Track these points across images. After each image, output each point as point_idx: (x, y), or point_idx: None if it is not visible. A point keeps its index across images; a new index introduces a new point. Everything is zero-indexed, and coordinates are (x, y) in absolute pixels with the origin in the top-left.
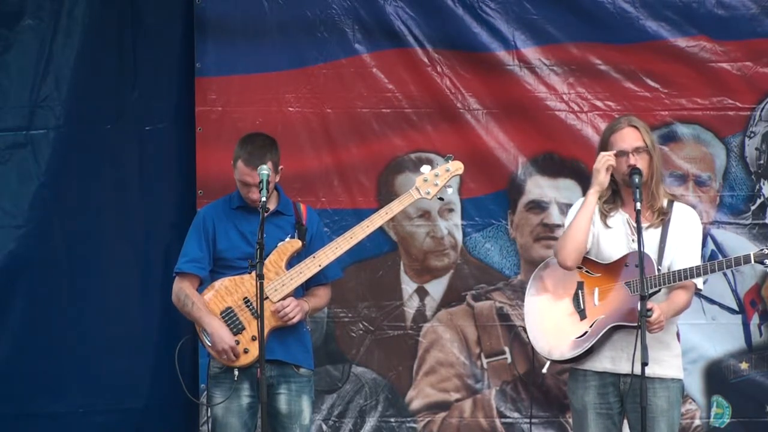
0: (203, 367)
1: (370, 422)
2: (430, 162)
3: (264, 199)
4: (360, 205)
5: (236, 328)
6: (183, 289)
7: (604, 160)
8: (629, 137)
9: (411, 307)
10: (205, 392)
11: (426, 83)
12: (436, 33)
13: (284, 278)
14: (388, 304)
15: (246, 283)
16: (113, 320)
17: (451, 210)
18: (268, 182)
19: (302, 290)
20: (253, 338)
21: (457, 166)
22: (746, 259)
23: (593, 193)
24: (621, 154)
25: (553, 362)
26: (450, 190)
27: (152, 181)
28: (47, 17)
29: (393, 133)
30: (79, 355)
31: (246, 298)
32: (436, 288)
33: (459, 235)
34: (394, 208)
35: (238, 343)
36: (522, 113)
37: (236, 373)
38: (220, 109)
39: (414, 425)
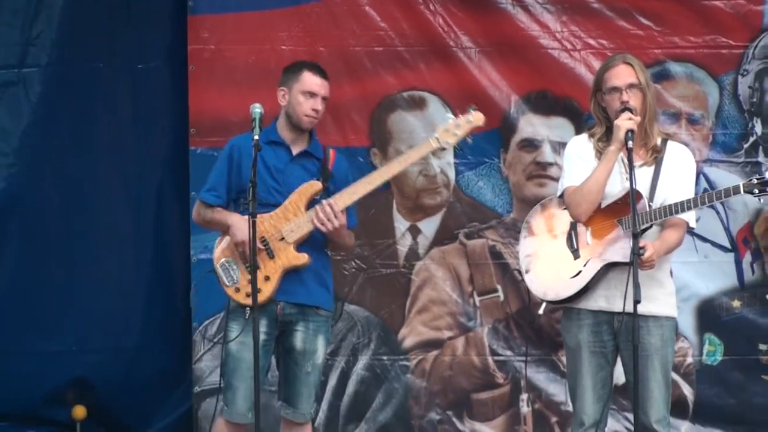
0: (198, 309)
1: (363, 360)
2: (423, 100)
3: (257, 137)
4: (352, 143)
5: (251, 268)
6: (200, 207)
7: (629, 122)
8: (623, 74)
9: (403, 245)
10: (217, 328)
11: (419, 21)
12: None
13: (301, 220)
14: (381, 242)
15: (265, 223)
16: (106, 259)
17: (443, 148)
18: (261, 120)
19: (321, 234)
20: (267, 278)
21: (478, 117)
22: (736, 190)
23: (614, 150)
24: (614, 90)
25: (549, 303)
26: (470, 140)
27: (145, 120)
28: None
29: (385, 71)
30: (72, 293)
31: (263, 237)
32: (429, 226)
33: (452, 174)
34: (413, 155)
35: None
36: (515, 52)
37: (248, 311)
38: (213, 48)
39: (406, 363)
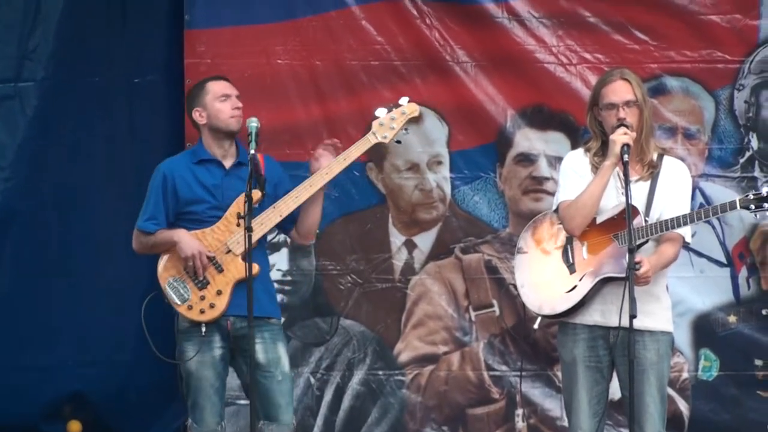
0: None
1: (359, 375)
2: (419, 116)
3: (253, 151)
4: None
5: (200, 284)
6: (140, 236)
7: (625, 137)
8: (620, 90)
9: (399, 259)
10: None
11: (415, 36)
12: None
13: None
14: (377, 256)
15: (208, 238)
16: (102, 272)
17: (439, 162)
18: (257, 134)
19: (264, 241)
20: (219, 292)
21: (412, 109)
22: (732, 205)
23: (609, 165)
24: (611, 106)
25: (544, 318)
26: (406, 132)
27: (141, 134)
28: None
29: (382, 85)
30: (67, 308)
31: (209, 252)
32: (425, 241)
33: (447, 188)
34: (352, 153)
35: (203, 298)
36: (511, 66)
37: (203, 328)
38: (209, 62)
39: (402, 378)
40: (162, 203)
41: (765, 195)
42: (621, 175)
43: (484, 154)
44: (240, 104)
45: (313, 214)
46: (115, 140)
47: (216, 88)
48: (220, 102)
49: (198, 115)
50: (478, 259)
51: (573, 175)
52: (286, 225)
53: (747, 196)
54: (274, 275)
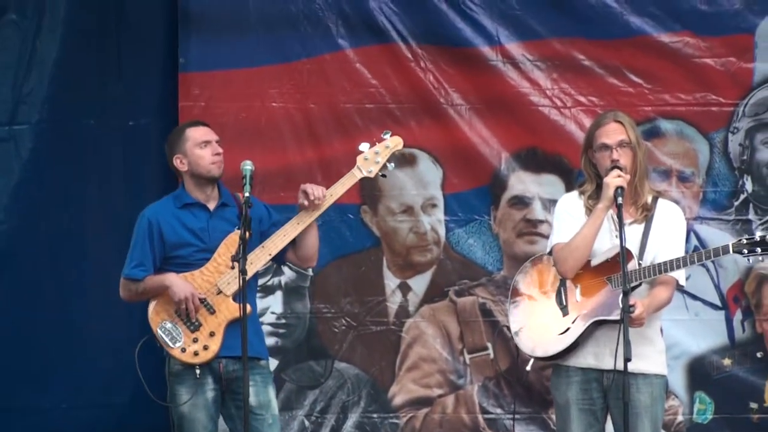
0: None
1: (353, 418)
2: (413, 158)
3: (247, 194)
4: (343, 201)
5: (192, 326)
6: (128, 284)
7: (618, 179)
8: (613, 132)
9: (394, 302)
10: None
11: (409, 78)
12: (420, 28)
13: (236, 271)
14: (371, 299)
15: (198, 280)
16: (97, 315)
17: (434, 205)
18: (252, 176)
19: (255, 282)
20: (211, 334)
21: (396, 142)
22: (725, 250)
23: (603, 207)
24: (604, 148)
25: (537, 360)
26: (391, 166)
27: (136, 177)
28: (31, 12)
29: (376, 128)
30: (63, 349)
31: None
32: (419, 283)
33: (442, 231)
34: (337, 190)
35: (196, 341)
36: (505, 108)
37: (198, 370)
38: (203, 105)
39: (396, 421)
40: (149, 249)
41: (758, 240)
42: (615, 217)
43: (478, 197)
44: (220, 150)
45: (310, 239)
46: (109, 183)
47: (195, 134)
48: (200, 149)
49: (179, 162)
50: (473, 302)
51: (567, 217)
52: (277, 258)
53: (740, 240)
54: (268, 318)
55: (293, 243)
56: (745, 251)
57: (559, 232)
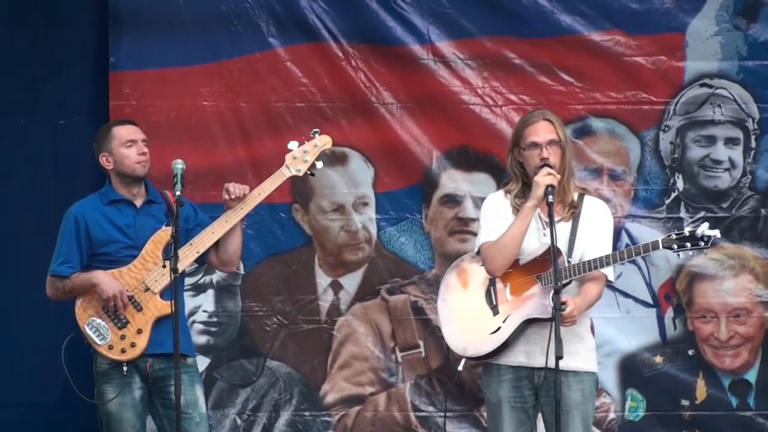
0: None
1: (285, 416)
2: (344, 156)
3: (179, 193)
4: (274, 199)
5: (120, 323)
6: (55, 281)
7: (549, 178)
8: (543, 130)
9: (325, 301)
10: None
11: (340, 77)
12: (351, 27)
13: (163, 268)
14: (303, 298)
15: (125, 276)
16: (27, 313)
17: (365, 204)
18: (183, 175)
19: (183, 279)
20: (139, 331)
21: (324, 141)
22: (654, 246)
23: (531, 206)
24: (534, 146)
25: (468, 359)
26: (320, 164)
27: (66, 175)
28: None
29: (307, 127)
30: None
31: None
32: (351, 282)
33: (373, 229)
34: (266, 188)
35: (123, 338)
36: (436, 107)
37: (125, 368)
38: (135, 103)
39: (328, 419)
40: (76, 246)
41: (687, 235)
42: (542, 216)
43: (409, 196)
44: (145, 149)
45: (233, 243)
46: (40, 182)
47: (121, 133)
48: (125, 148)
49: (105, 161)
50: (404, 300)
51: (493, 217)
52: (200, 259)
53: (669, 236)
54: (200, 316)
55: (216, 245)
56: (675, 246)
57: (486, 231)
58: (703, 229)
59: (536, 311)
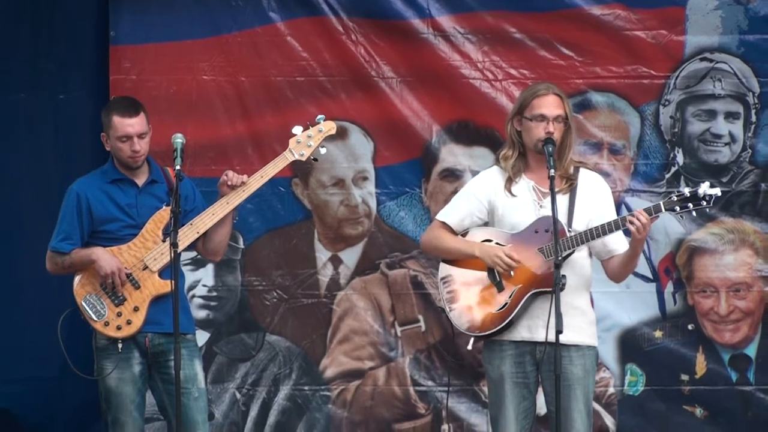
0: None
1: (284, 390)
2: (344, 131)
3: (179, 167)
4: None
5: (117, 300)
6: (55, 257)
7: (506, 263)
8: (552, 104)
9: (325, 275)
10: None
11: (340, 52)
12: (351, 1)
13: (162, 247)
14: (302, 272)
15: (124, 254)
16: (28, 288)
17: (365, 178)
18: (183, 150)
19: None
20: (135, 309)
21: (329, 127)
22: (657, 209)
23: (475, 254)
24: (540, 118)
25: (476, 338)
26: (323, 150)
27: (67, 149)
28: None
29: (307, 101)
30: None
31: (126, 269)
32: (350, 256)
33: (373, 204)
34: (269, 171)
35: (120, 315)
36: (436, 81)
37: (120, 344)
38: (135, 78)
39: (328, 393)
40: (77, 223)
41: (688, 195)
42: (539, 189)
43: (409, 170)
44: (138, 147)
45: (221, 233)
46: (41, 157)
47: (119, 126)
48: (120, 142)
49: (105, 141)
50: (404, 275)
51: (469, 200)
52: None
53: (670, 197)
54: (200, 291)
55: (204, 234)
56: (677, 208)
57: (451, 208)
58: (705, 188)
59: (541, 285)
